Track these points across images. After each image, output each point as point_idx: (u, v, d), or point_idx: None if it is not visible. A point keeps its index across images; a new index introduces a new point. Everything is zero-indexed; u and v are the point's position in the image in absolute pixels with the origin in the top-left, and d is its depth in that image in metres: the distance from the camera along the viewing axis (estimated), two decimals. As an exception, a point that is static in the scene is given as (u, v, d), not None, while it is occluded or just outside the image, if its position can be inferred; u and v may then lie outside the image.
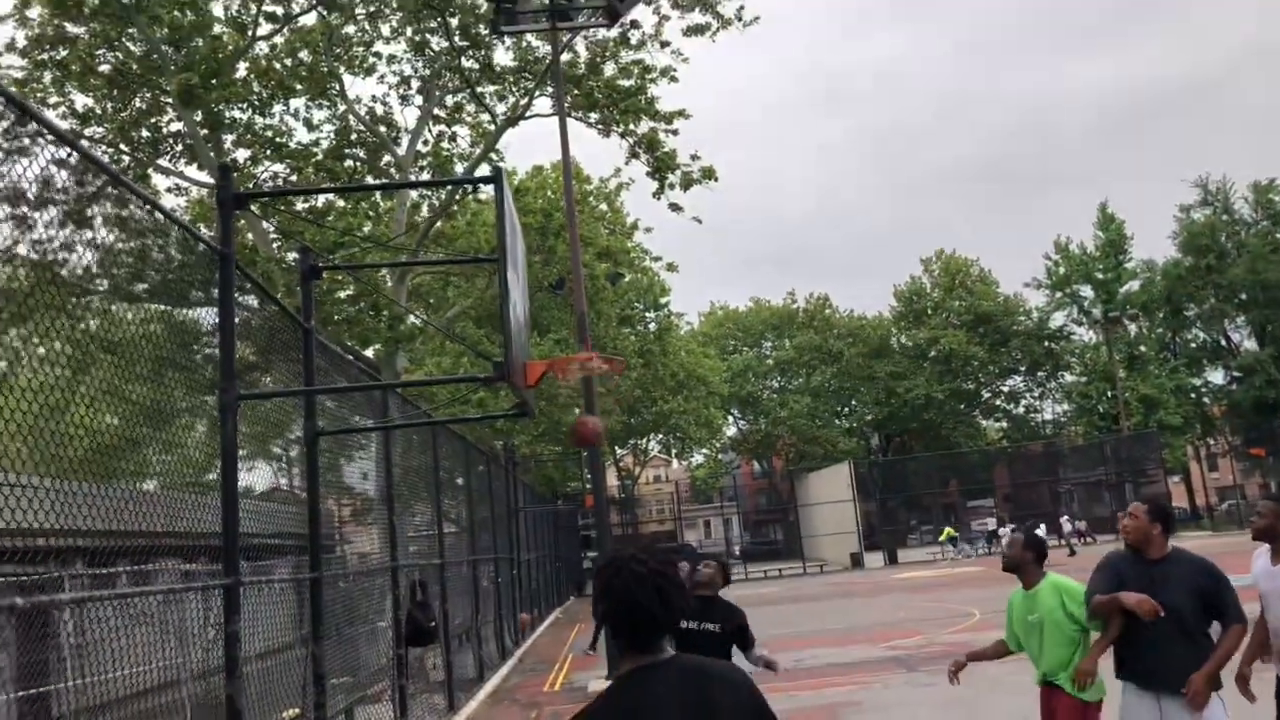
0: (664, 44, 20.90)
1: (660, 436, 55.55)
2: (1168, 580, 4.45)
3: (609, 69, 21.19)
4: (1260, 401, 52.16)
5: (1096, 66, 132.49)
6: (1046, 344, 63.51)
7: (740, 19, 20.62)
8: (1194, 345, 59.47)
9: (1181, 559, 4.58)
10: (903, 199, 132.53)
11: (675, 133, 21.28)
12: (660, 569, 2.34)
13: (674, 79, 21.12)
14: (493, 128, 21.48)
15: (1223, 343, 58.63)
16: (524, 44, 21.00)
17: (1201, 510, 57.42)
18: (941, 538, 43.67)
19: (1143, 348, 59.98)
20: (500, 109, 21.56)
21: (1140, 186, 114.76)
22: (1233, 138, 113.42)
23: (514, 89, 21.55)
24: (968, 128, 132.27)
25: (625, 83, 21.10)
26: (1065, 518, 39.67)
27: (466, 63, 20.75)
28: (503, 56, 20.80)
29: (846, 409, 67.32)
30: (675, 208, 21.54)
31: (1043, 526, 36.59)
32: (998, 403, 67.79)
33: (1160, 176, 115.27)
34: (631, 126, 21.35)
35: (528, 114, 21.14)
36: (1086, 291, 60.57)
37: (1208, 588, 4.42)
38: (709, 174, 21.47)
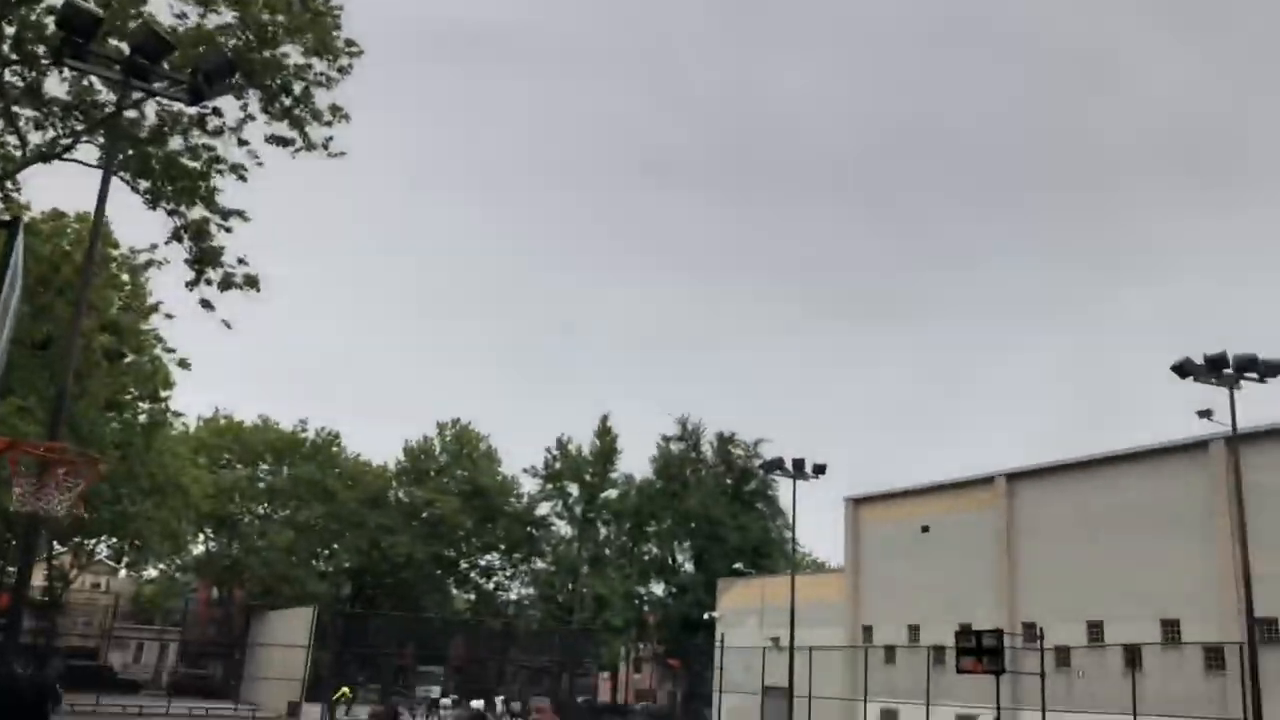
0: (242, 142, 20.38)
1: (114, 540, 50.07)
2: None
3: (175, 143, 20.23)
4: (687, 618, 59.40)
5: (626, 290, 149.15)
6: (529, 529, 67.70)
7: (327, 148, 20.71)
8: (647, 558, 66.68)
9: None
10: (444, 361, 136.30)
11: (229, 230, 20.67)
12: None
13: (243, 178, 20.60)
14: (19, 155, 19.47)
15: (670, 560, 66.42)
16: (86, 82, 19.22)
17: (619, 706, 62.93)
18: (336, 695, 42.36)
19: (607, 551, 66.23)
20: (35, 138, 19.54)
21: (640, 405, 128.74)
22: (716, 386, 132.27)
23: (59, 124, 19.62)
24: (512, 312, 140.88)
25: (190, 163, 20.29)
26: (501, 698, 41.55)
27: (10, 76, 18.80)
28: (56, 86, 19.13)
29: (327, 551, 65.78)
30: (207, 305, 20.69)
31: (481, 702, 38.02)
32: (472, 575, 70.21)
33: (658, 402, 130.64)
34: (183, 208, 20.46)
35: (66, 155, 19.32)
36: (574, 489, 65.96)
37: None
38: (252, 282, 21.00)
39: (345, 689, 41.73)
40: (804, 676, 40.84)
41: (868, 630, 42.17)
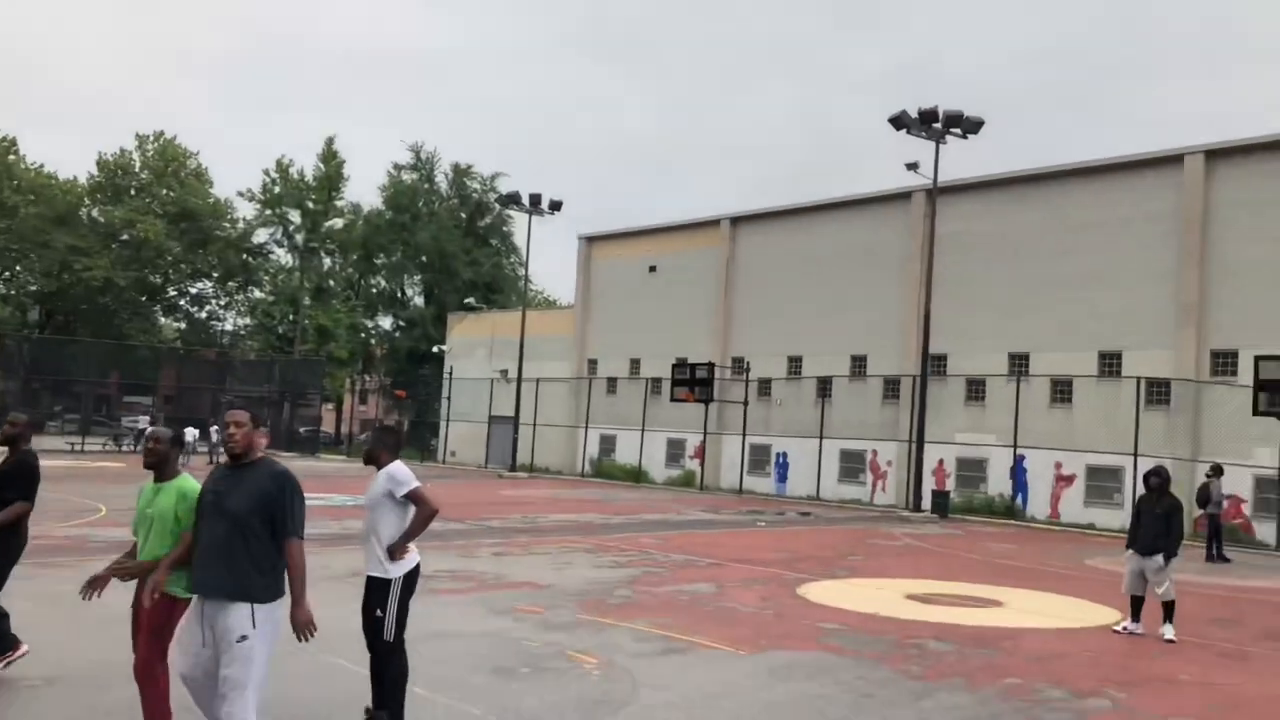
0: None
1: None
2: (242, 483, 4.79)
3: None
4: (414, 351, 59.41)
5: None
6: (245, 257, 63.91)
7: None
8: (375, 291, 65.20)
9: (263, 467, 4.89)
10: (143, 67, 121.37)
11: None
12: None
13: None
14: None
15: (399, 294, 65.34)
16: None
17: (344, 437, 63.19)
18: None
19: (331, 282, 64.00)
20: None
21: (370, 132, 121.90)
22: (455, 114, 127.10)
23: None
24: (221, 17, 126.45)
25: None
26: (215, 427, 40.33)
27: None
28: None
29: (8, 273, 59.35)
30: None
31: (195, 431, 36.70)
32: (181, 303, 66.11)
33: (388, 128, 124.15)
34: None
35: None
36: (295, 216, 62.35)
37: (274, 495, 4.73)
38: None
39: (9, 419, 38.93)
40: (530, 406, 42.38)
41: (593, 363, 43.90)
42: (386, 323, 65.38)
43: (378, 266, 64.28)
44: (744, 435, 35.51)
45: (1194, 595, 14.89)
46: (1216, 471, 21.13)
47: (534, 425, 42.36)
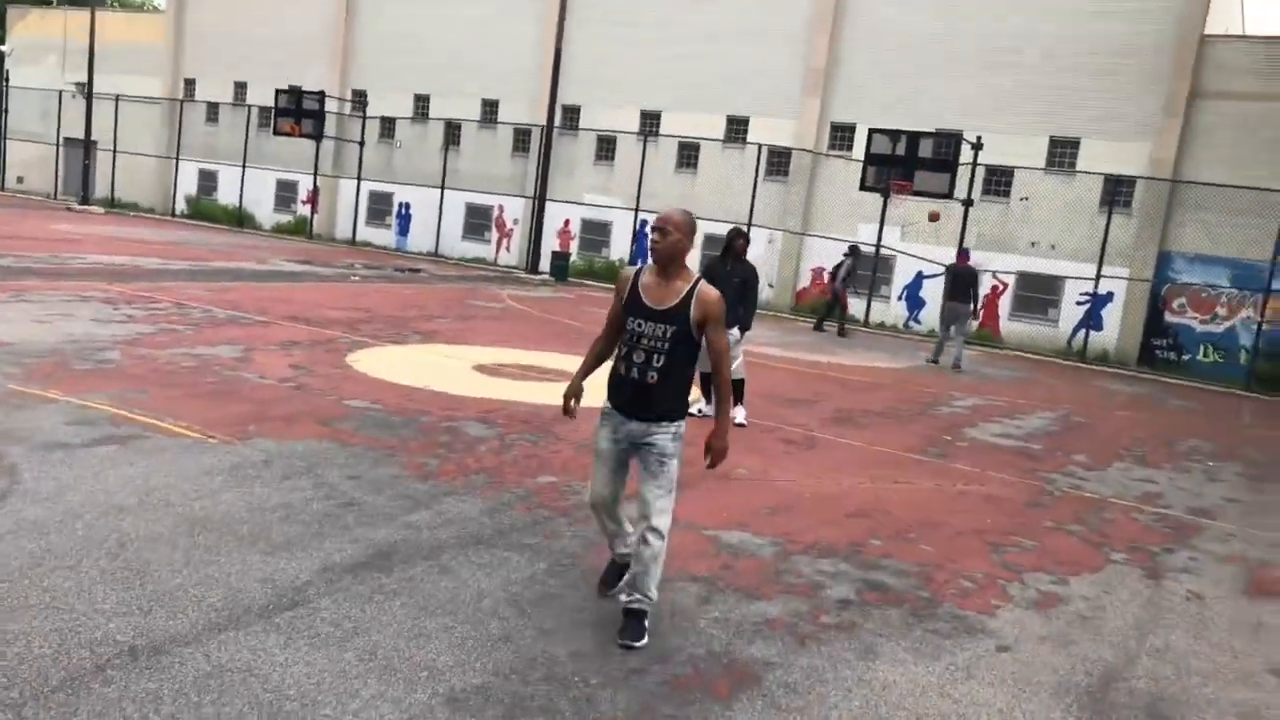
0: None
1: None
2: None
3: None
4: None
5: None
6: None
7: None
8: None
9: None
10: None
11: None
12: None
13: None
14: None
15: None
16: None
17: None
18: None
19: None
20: None
21: None
22: None
23: None
24: None
25: None
26: None
27: None
28: None
29: None
30: None
31: None
32: None
33: None
34: None
35: None
36: None
37: None
38: None
39: None
40: (110, 128, 35.80)
41: (190, 84, 37.56)
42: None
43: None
44: (359, 179, 32.04)
45: (783, 371, 14.57)
46: (854, 252, 21.35)
47: (114, 152, 36.03)
